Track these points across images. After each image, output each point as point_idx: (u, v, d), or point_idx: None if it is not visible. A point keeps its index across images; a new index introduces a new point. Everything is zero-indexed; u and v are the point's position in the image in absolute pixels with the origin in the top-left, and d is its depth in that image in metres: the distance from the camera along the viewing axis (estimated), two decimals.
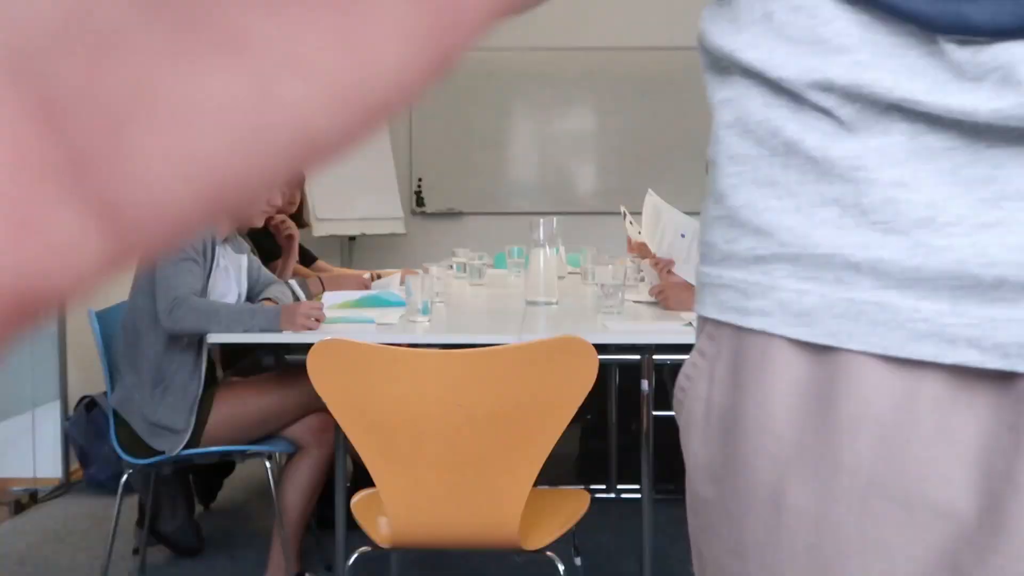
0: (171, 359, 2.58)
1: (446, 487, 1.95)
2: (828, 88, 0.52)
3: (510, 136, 7.60)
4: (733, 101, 0.58)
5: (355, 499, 2.18)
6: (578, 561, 2.35)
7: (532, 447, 1.92)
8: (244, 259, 2.85)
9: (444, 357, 1.91)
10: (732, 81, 0.58)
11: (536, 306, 2.87)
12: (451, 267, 3.92)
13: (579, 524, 2.15)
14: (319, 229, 4.71)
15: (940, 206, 0.50)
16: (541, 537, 2.02)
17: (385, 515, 2.01)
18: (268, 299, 2.85)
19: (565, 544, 2.27)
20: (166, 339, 2.57)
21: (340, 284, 3.28)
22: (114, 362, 2.66)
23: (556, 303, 2.90)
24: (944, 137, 0.50)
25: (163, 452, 2.57)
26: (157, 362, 2.58)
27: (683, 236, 2.82)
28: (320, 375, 1.93)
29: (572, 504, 2.18)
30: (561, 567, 2.01)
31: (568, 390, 1.90)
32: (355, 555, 2.09)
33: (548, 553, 2.02)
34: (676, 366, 3.45)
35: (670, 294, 2.83)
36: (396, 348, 1.92)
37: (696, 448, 0.61)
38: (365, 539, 2.06)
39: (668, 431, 3.44)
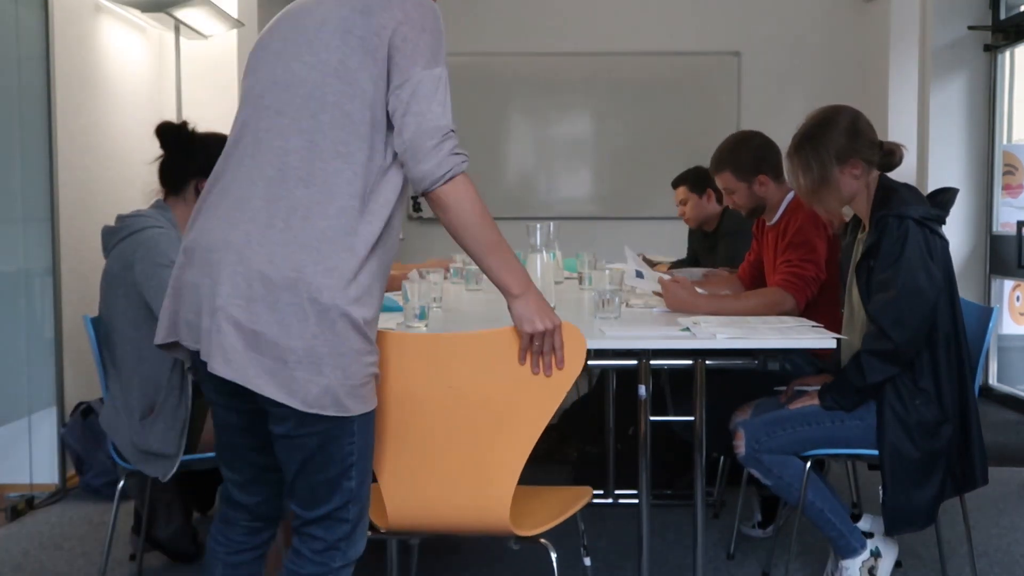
0: (160, 386, 2.55)
1: (437, 468, 1.97)
2: None
3: (506, 141, 7.60)
4: None
5: None
6: (587, 561, 2.33)
7: (522, 428, 1.93)
8: None
9: (434, 339, 1.94)
10: None
11: None
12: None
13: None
14: None
15: None
16: (534, 524, 2.02)
17: (381, 499, 2.02)
18: None
19: (574, 545, 2.28)
20: (156, 367, 2.54)
21: None
22: (105, 373, 2.64)
23: (553, 308, 2.89)
24: None
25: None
26: (146, 390, 2.54)
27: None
28: None
29: (568, 494, 2.19)
30: (554, 555, 2.01)
31: (557, 372, 1.91)
32: None
33: (542, 540, 2.02)
34: (673, 371, 3.42)
35: (671, 291, 2.84)
36: (386, 332, 1.94)
37: None
38: None
39: (665, 436, 3.43)
